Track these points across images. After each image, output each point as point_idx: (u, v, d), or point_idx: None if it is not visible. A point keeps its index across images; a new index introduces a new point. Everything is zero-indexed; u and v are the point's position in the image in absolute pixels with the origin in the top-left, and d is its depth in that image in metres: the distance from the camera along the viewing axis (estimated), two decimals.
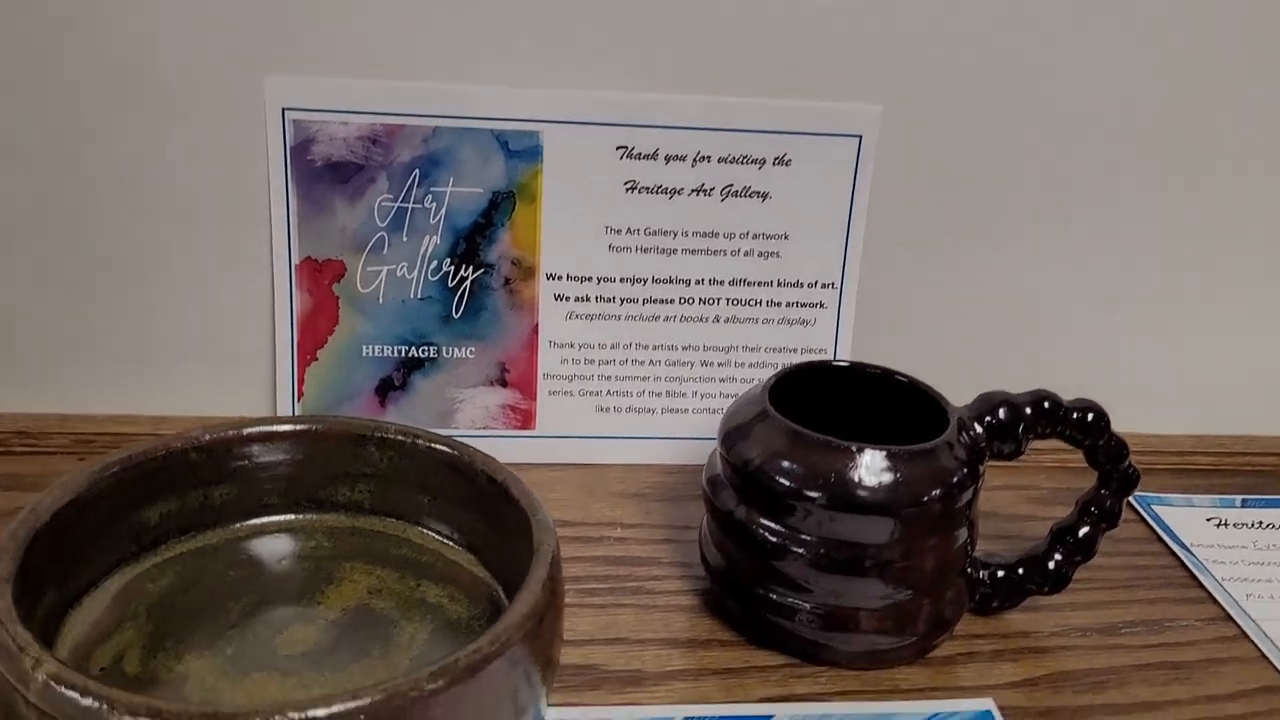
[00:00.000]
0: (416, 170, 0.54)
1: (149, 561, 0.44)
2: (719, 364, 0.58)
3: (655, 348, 0.58)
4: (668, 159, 0.55)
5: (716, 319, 0.58)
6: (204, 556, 0.45)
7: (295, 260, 0.54)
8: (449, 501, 0.46)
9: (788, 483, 0.43)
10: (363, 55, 0.52)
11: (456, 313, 0.56)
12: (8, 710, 0.33)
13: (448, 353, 0.56)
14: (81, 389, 0.57)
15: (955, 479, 0.43)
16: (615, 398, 0.58)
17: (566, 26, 0.53)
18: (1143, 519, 0.57)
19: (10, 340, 0.56)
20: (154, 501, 0.44)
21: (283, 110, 0.52)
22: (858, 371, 0.49)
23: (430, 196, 0.54)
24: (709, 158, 0.55)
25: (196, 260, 0.55)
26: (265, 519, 0.46)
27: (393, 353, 0.56)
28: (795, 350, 0.58)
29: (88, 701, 0.31)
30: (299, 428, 0.46)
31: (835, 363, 0.49)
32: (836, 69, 0.55)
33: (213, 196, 0.54)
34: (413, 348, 0.56)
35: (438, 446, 0.46)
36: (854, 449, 0.43)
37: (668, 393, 0.58)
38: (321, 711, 0.31)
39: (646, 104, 0.54)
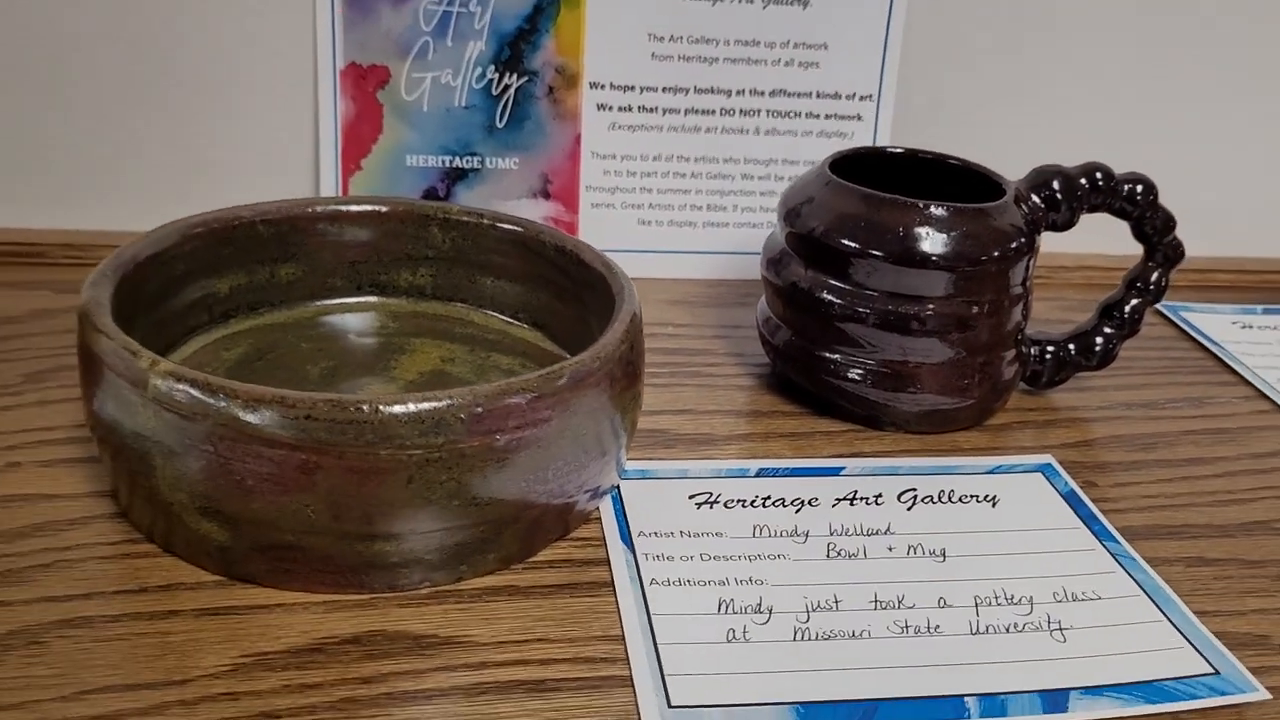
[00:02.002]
0: None
1: (220, 332, 0.44)
2: (759, 177, 0.59)
3: (697, 160, 0.58)
4: None
5: (757, 130, 0.58)
6: (274, 331, 0.45)
7: (339, 66, 0.54)
8: (513, 280, 0.47)
9: (854, 243, 0.44)
10: None
11: (500, 122, 0.56)
12: (126, 411, 0.33)
13: (491, 163, 0.56)
14: (123, 203, 0.56)
15: (1013, 243, 0.44)
16: (657, 210, 0.58)
17: None
18: (1171, 322, 0.59)
19: (53, 156, 0.55)
20: (224, 272, 0.44)
21: None
22: (911, 157, 0.50)
23: (475, 1, 0.54)
24: None
25: (239, 70, 0.55)
26: (329, 300, 0.47)
27: (437, 163, 0.56)
28: None
29: (206, 396, 0.31)
30: (364, 208, 0.46)
31: (890, 149, 0.50)
32: None
33: (259, 2, 0.53)
34: (456, 158, 0.56)
35: (503, 224, 0.46)
36: (919, 205, 0.44)
37: (709, 206, 0.59)
38: (445, 402, 0.32)
39: None
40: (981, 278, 0.44)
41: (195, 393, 0.32)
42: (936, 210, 0.44)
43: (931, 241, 0.43)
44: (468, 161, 0.56)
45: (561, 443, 0.35)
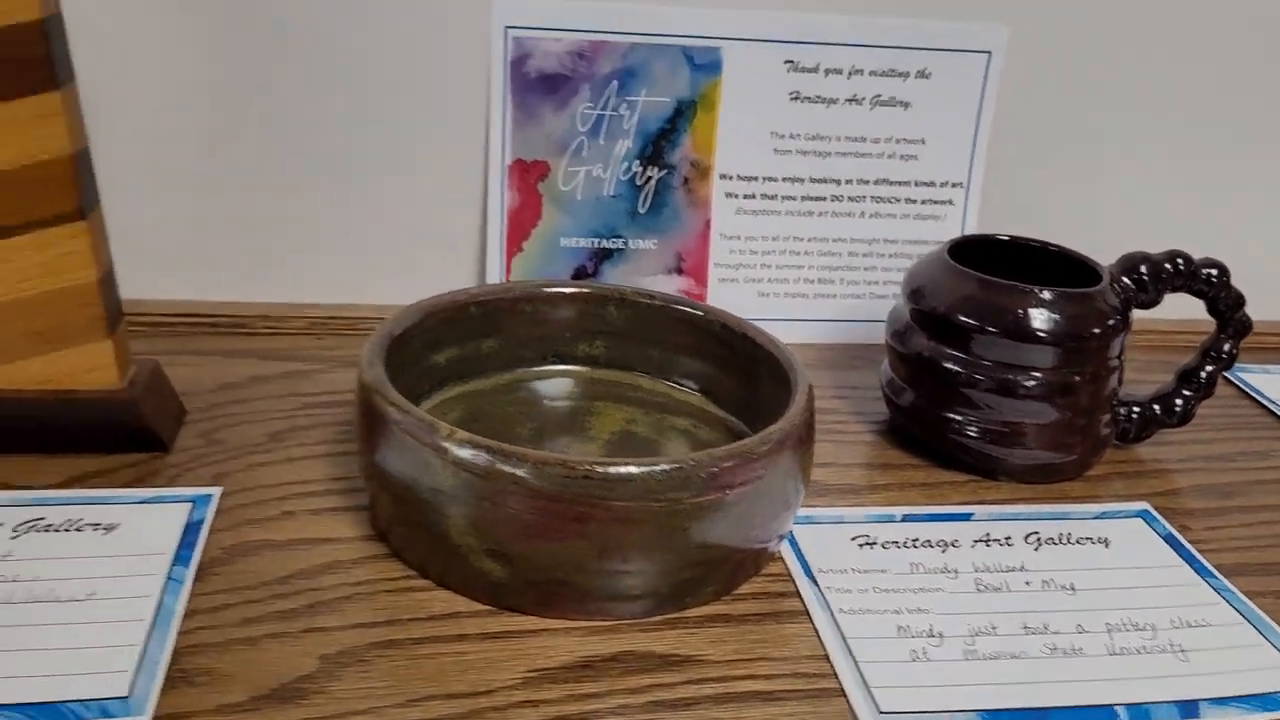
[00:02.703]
0: (615, 81, 0.61)
1: (439, 397, 0.52)
2: (863, 254, 0.67)
3: (809, 240, 0.66)
4: (827, 72, 0.63)
5: (862, 214, 0.66)
6: (479, 397, 0.53)
7: (508, 161, 0.62)
8: (678, 351, 0.54)
9: (973, 320, 0.52)
10: None
11: (642, 208, 0.64)
12: (423, 471, 0.40)
13: (633, 244, 0.64)
14: (313, 278, 0.64)
15: (1110, 321, 0.52)
16: (774, 284, 0.66)
17: None
18: (1233, 383, 0.67)
19: (251, 236, 0.63)
20: (444, 346, 0.52)
21: (505, 28, 0.60)
22: (1014, 243, 0.58)
23: (625, 105, 0.62)
24: (862, 71, 0.63)
25: (419, 163, 0.63)
26: (521, 369, 0.54)
27: (587, 244, 0.64)
28: (927, 242, 0.67)
29: (500, 460, 0.39)
30: (556, 290, 0.54)
31: (998, 236, 0.58)
32: None
33: (438, 104, 0.61)
34: (604, 240, 0.64)
35: (674, 305, 0.54)
36: (1031, 289, 0.51)
37: (819, 280, 0.67)
38: (690, 463, 0.40)
39: (811, 23, 0.62)
40: (1084, 351, 0.52)
41: (490, 457, 0.39)
42: (1046, 294, 0.51)
43: (1041, 320, 0.51)
44: (613, 243, 0.64)
45: (768, 495, 0.42)
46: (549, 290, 0.54)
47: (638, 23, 0.61)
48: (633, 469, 0.39)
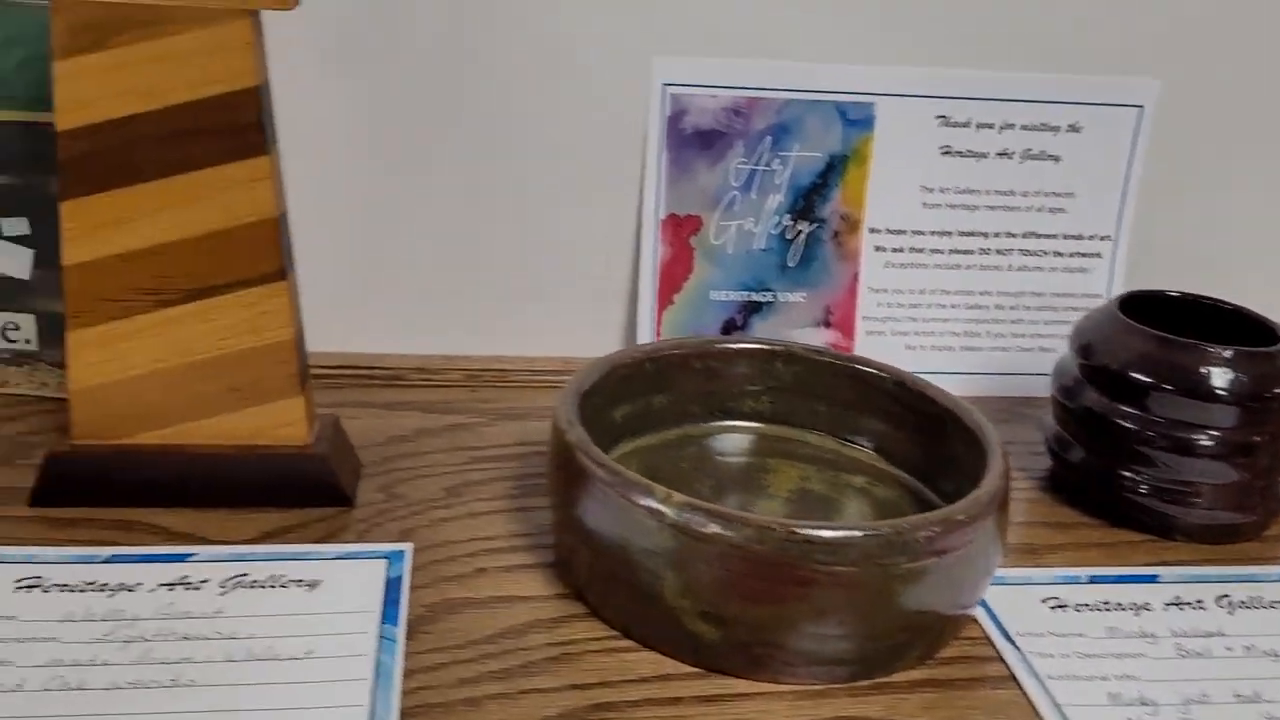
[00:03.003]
0: (769, 137, 0.62)
1: (615, 453, 0.52)
2: (1010, 307, 0.66)
3: (956, 293, 0.66)
4: (978, 126, 0.63)
5: (1009, 267, 0.66)
6: (652, 452, 0.53)
7: (661, 215, 0.63)
8: (848, 408, 0.54)
9: (1149, 378, 0.51)
10: (731, 38, 0.61)
11: (792, 262, 0.64)
12: (637, 532, 0.40)
13: (782, 297, 0.65)
14: (467, 328, 0.65)
15: None
16: (921, 337, 0.66)
17: (898, 10, 0.61)
18: None
19: (406, 292, 0.64)
20: (621, 402, 0.52)
21: (663, 85, 0.61)
22: (1184, 299, 0.57)
23: (778, 160, 0.62)
24: (1013, 125, 0.64)
25: (573, 217, 0.63)
26: (688, 425, 0.55)
27: (736, 298, 0.64)
28: (1074, 295, 0.66)
29: (721, 524, 0.39)
30: (727, 346, 0.54)
31: (1168, 293, 0.57)
32: (1121, 46, 0.63)
33: (595, 161, 0.62)
34: (753, 293, 0.64)
35: (841, 361, 0.54)
36: (1210, 348, 0.51)
37: (965, 333, 0.66)
38: (908, 526, 0.40)
39: (964, 79, 0.63)
40: (1265, 412, 0.51)
41: (710, 521, 0.39)
42: (1227, 353, 0.51)
43: (1222, 380, 0.51)
44: (762, 296, 0.64)
45: (976, 559, 0.42)
46: (721, 346, 0.54)
47: (793, 79, 0.61)
48: (855, 533, 0.39)
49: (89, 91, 0.44)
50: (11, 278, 0.56)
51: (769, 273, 0.64)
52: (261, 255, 0.47)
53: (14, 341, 0.57)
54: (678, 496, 0.40)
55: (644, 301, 0.64)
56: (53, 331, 0.57)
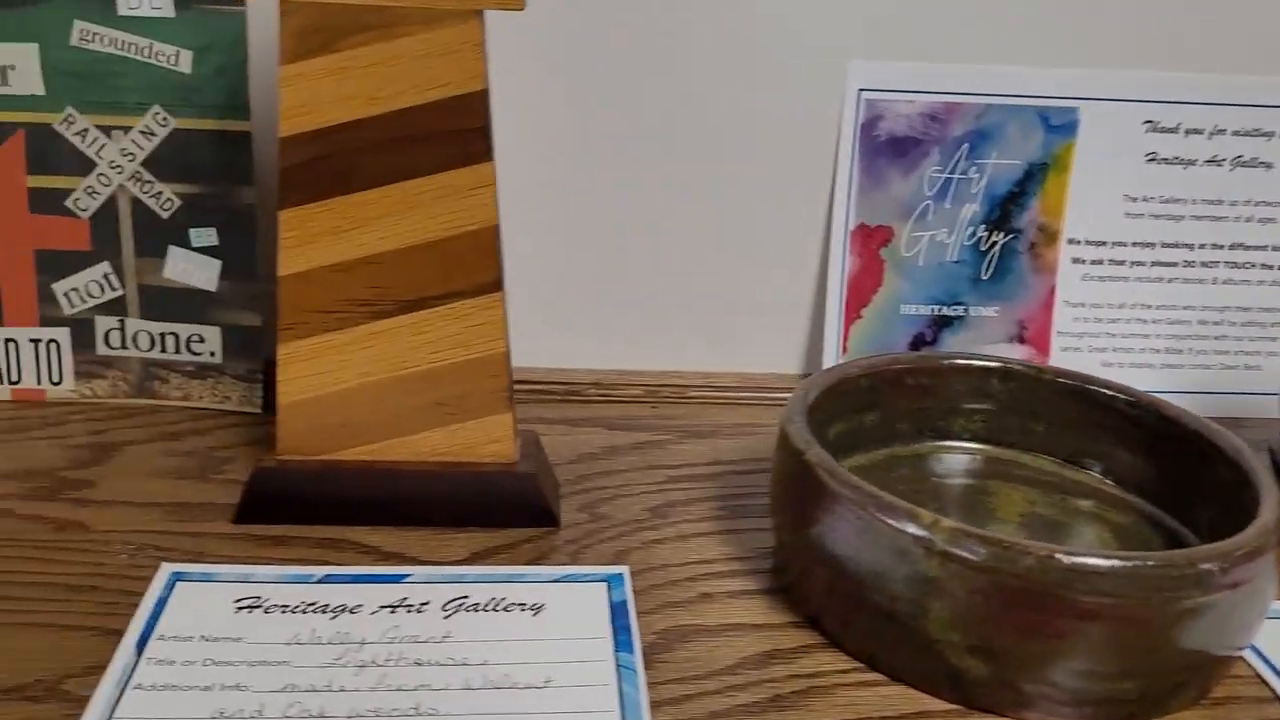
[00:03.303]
0: (966, 144, 0.59)
1: None
2: (1214, 323, 0.63)
3: (1157, 308, 0.62)
4: (1187, 132, 0.60)
5: (1214, 280, 0.62)
6: (864, 473, 0.49)
7: (851, 226, 0.60)
8: (1066, 428, 0.51)
9: None
10: (927, 41, 0.58)
11: (985, 275, 0.61)
12: (899, 561, 0.38)
13: (974, 312, 0.62)
14: (651, 343, 0.63)
15: None
16: (1119, 354, 0.63)
17: (1103, 10, 0.59)
18: None
19: (585, 303, 0.62)
20: (836, 420, 0.49)
21: (858, 91, 0.58)
22: None
23: (974, 168, 0.60)
24: (1224, 131, 0.60)
25: (759, 228, 0.61)
26: (898, 445, 0.52)
27: (927, 311, 0.62)
28: None
29: (1000, 553, 0.36)
30: (941, 363, 0.52)
31: None
32: None
33: (783, 168, 0.60)
34: (944, 307, 0.62)
35: (1063, 379, 0.51)
36: None
37: (1166, 349, 0.63)
38: (1204, 555, 0.37)
39: (1173, 82, 0.59)
40: None
41: (987, 549, 0.37)
42: None
43: None
44: (954, 310, 0.62)
45: (1258, 593, 0.39)
46: (939, 363, 0.52)
47: (993, 84, 0.59)
48: (1142, 564, 0.36)
49: (314, 96, 0.42)
50: (198, 289, 0.56)
51: (961, 286, 0.62)
52: (479, 265, 0.45)
53: (198, 354, 0.57)
54: (946, 522, 0.37)
55: (830, 315, 0.61)
56: (237, 344, 0.56)
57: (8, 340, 0.56)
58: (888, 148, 0.59)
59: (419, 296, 0.45)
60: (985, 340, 0.62)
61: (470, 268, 0.45)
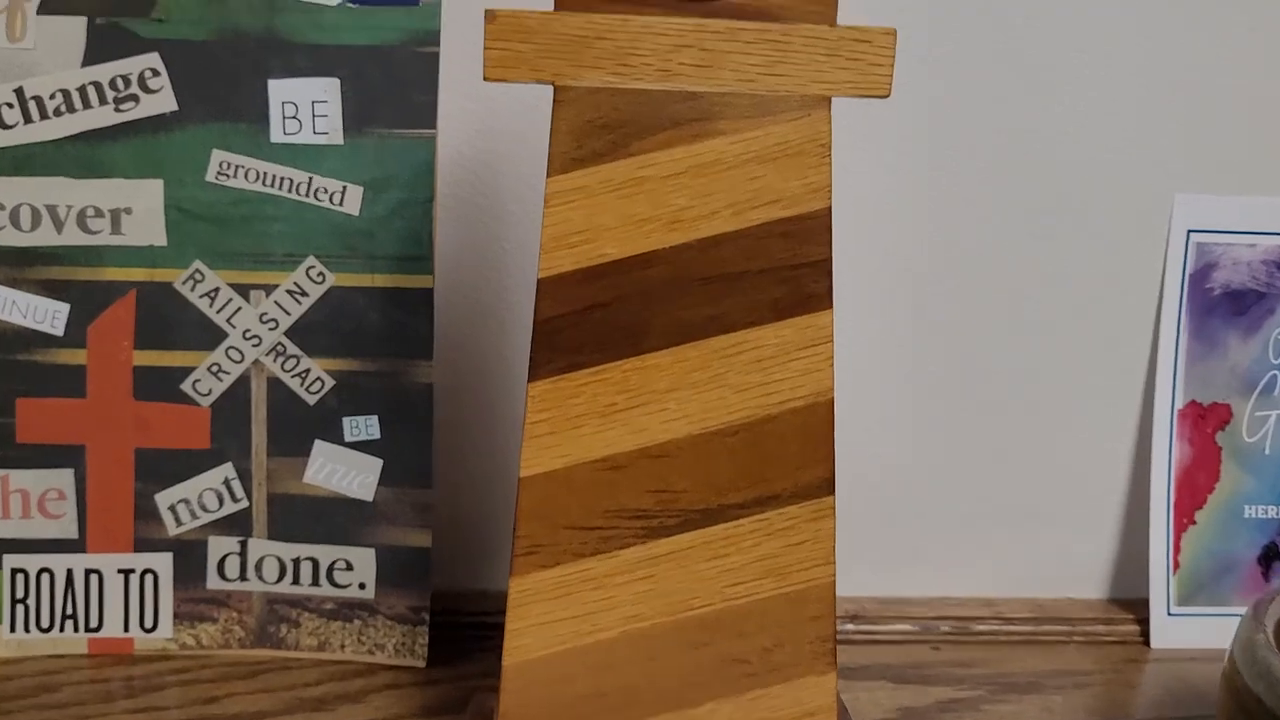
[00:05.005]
0: None
1: None
2: None
3: None
4: None
5: None
6: None
7: (1179, 404, 0.47)
8: None
9: None
10: (1272, 171, 0.47)
11: None
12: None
13: None
14: (899, 562, 0.48)
15: None
16: None
17: None
18: None
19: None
20: None
21: (1187, 232, 0.46)
22: None
23: None
24: None
25: (1063, 409, 0.48)
26: None
27: (1278, 514, 0.48)
28: None
29: None
30: None
31: None
32: None
33: (1090, 333, 0.47)
34: None
35: None
36: None
37: None
38: None
39: None
40: None
41: None
42: None
43: None
44: None
45: None
46: None
47: None
48: None
49: (593, 220, 0.30)
50: (350, 499, 0.42)
51: None
52: (805, 456, 0.31)
53: (343, 586, 0.42)
54: None
55: (1156, 520, 0.47)
56: (396, 573, 0.42)
57: (89, 572, 0.42)
58: (1222, 304, 0.47)
59: (718, 504, 0.31)
60: None
61: (793, 460, 0.31)
